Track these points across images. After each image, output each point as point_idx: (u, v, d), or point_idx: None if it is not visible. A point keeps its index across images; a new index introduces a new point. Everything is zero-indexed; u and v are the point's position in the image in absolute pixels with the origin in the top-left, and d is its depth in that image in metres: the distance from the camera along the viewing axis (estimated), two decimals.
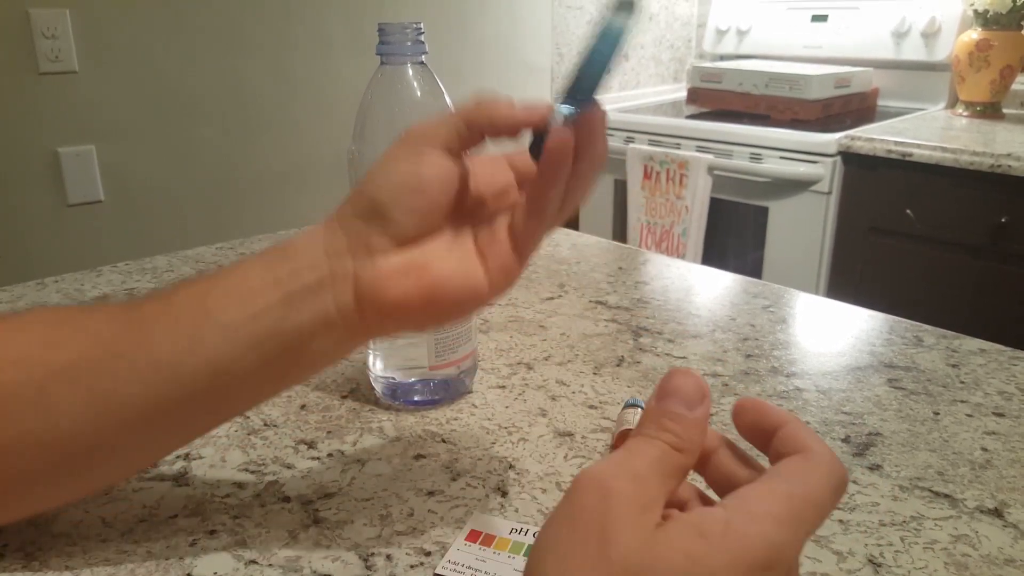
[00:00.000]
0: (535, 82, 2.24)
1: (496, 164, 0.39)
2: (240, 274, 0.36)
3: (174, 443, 0.40)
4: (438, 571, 0.38)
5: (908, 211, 1.63)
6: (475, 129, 0.36)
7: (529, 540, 0.40)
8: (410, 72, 0.50)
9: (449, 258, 0.36)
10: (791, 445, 0.26)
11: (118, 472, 0.40)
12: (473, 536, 0.41)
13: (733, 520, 0.24)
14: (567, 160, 0.34)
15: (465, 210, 0.38)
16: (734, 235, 2.02)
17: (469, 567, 0.38)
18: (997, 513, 0.43)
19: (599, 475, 0.25)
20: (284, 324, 0.35)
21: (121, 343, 0.36)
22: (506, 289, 0.37)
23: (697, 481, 0.29)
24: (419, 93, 0.50)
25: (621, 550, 0.23)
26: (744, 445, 0.29)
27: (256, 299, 0.35)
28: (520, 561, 0.39)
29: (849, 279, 1.75)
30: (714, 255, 1.96)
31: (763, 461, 0.28)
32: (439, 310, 0.36)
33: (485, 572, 0.38)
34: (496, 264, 0.36)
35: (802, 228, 1.77)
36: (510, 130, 0.36)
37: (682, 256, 1.91)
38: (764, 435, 0.28)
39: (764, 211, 1.82)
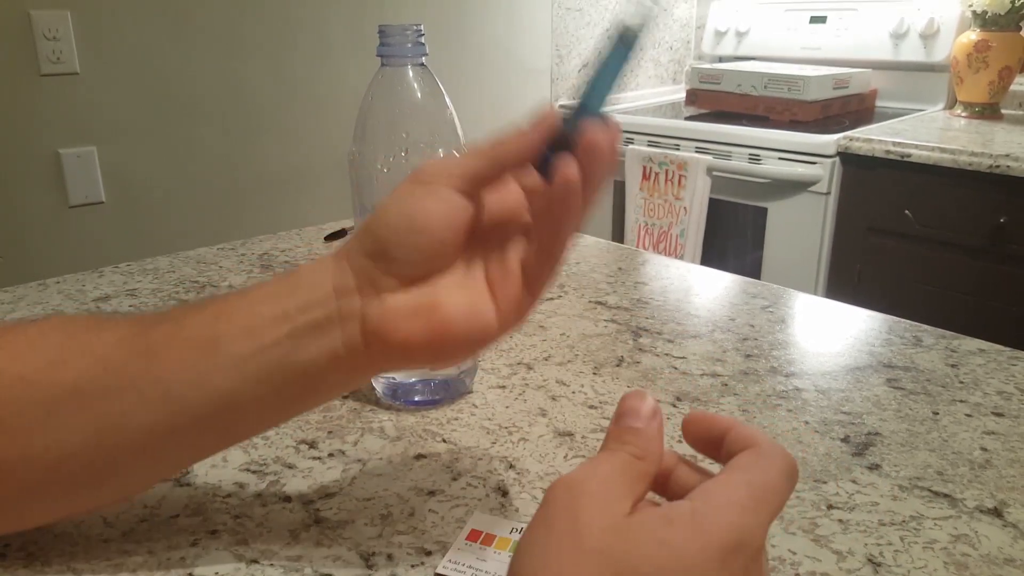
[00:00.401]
0: (535, 84, 2.25)
1: (504, 184, 0.38)
2: (248, 305, 0.36)
3: (180, 464, 0.40)
4: (439, 570, 0.38)
5: (907, 212, 1.64)
6: (495, 165, 0.36)
7: None
8: (410, 74, 0.50)
9: (459, 296, 0.36)
10: (741, 443, 0.29)
11: (123, 490, 0.40)
12: (474, 535, 0.41)
13: (699, 509, 0.26)
14: (577, 196, 0.34)
15: (477, 237, 0.37)
16: (733, 236, 2.02)
17: (470, 566, 0.39)
18: (996, 513, 0.43)
19: (569, 481, 0.28)
20: (292, 358, 0.35)
21: (130, 370, 0.36)
22: (517, 326, 0.37)
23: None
24: (419, 95, 0.50)
25: (594, 540, 0.25)
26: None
27: (265, 333, 0.35)
28: None
29: (848, 279, 1.75)
30: (713, 256, 1.96)
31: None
32: (447, 349, 0.36)
33: (486, 572, 0.38)
34: (507, 301, 0.36)
35: (801, 229, 1.77)
36: (528, 156, 0.35)
37: (681, 257, 1.92)
38: (714, 443, 0.30)
39: (763, 212, 1.83)
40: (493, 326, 0.36)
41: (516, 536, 0.41)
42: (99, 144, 1.53)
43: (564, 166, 0.33)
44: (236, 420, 0.37)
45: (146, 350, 0.36)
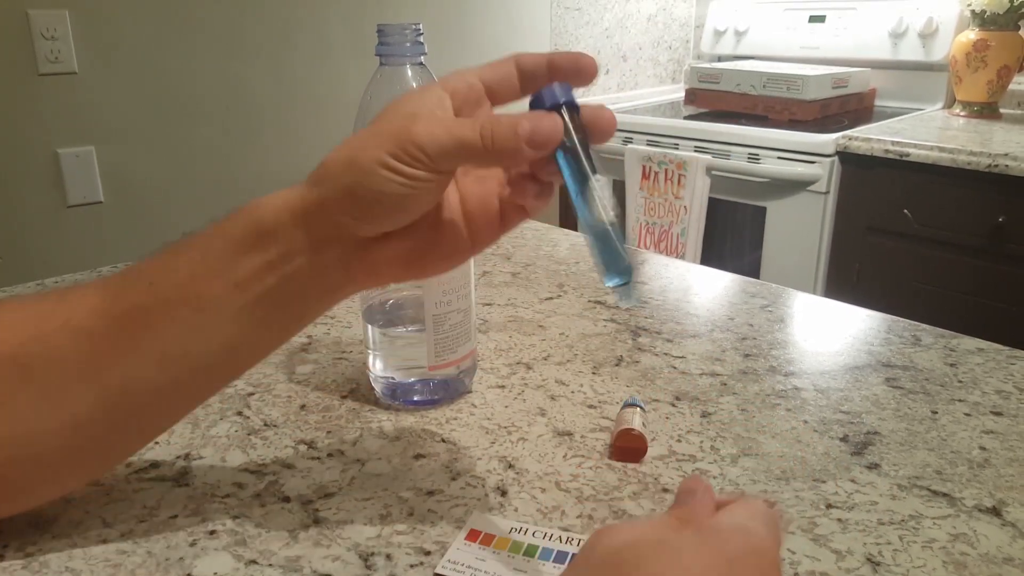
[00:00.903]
0: None
1: (485, 183, 0.40)
2: (225, 258, 0.36)
3: (188, 411, 0.41)
4: (438, 570, 0.38)
5: (906, 211, 1.64)
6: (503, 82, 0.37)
7: (529, 539, 0.40)
8: (409, 73, 0.50)
9: (437, 240, 0.38)
10: (727, 501, 0.32)
11: (133, 448, 0.42)
12: (473, 535, 0.41)
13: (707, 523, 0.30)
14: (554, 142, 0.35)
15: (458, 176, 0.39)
16: (732, 235, 2.02)
17: (469, 566, 0.39)
18: (995, 512, 0.43)
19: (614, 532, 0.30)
20: (283, 298, 0.37)
21: (119, 338, 0.36)
22: (488, 246, 0.40)
23: None
24: None
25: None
26: None
27: (253, 285, 0.36)
28: (520, 560, 0.39)
29: (847, 279, 1.75)
30: (712, 255, 1.96)
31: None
32: (425, 272, 0.39)
33: (485, 571, 0.38)
34: (483, 234, 0.39)
35: (800, 228, 1.77)
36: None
37: (681, 256, 1.92)
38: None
39: (762, 211, 1.83)
40: (467, 251, 0.39)
41: (515, 536, 0.41)
42: (98, 144, 1.53)
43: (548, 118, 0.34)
44: (237, 360, 0.39)
45: (128, 316, 0.36)
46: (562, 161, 0.35)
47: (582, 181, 0.35)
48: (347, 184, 0.35)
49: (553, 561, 0.39)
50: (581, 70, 0.36)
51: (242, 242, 0.36)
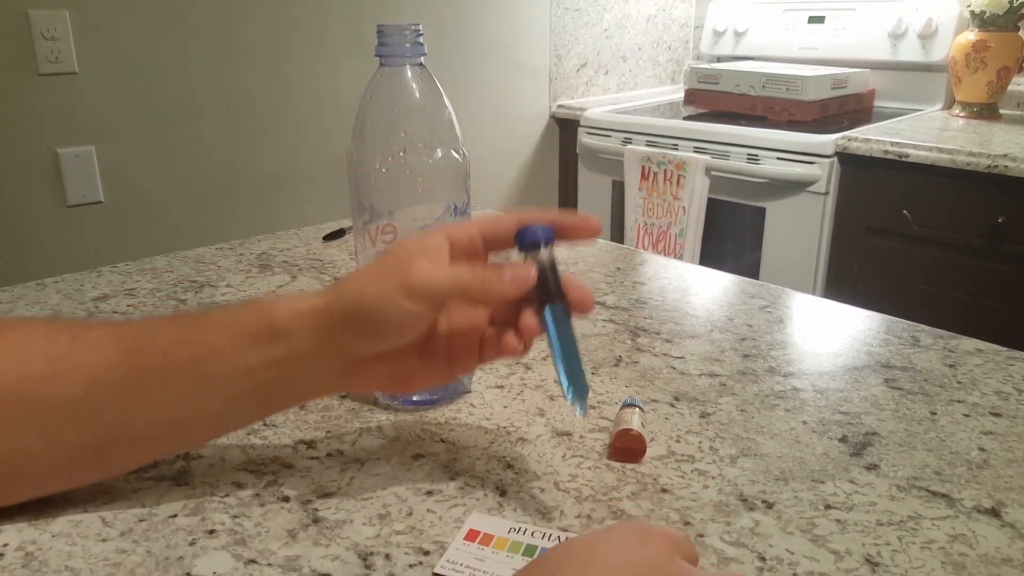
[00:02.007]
0: (533, 83, 2.25)
1: (469, 318, 0.44)
2: (237, 346, 0.40)
3: (169, 454, 0.46)
4: (437, 570, 0.39)
5: (905, 212, 1.64)
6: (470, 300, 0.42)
7: (528, 539, 0.40)
8: (409, 73, 0.50)
9: (422, 364, 0.43)
10: None
11: (116, 473, 0.45)
12: (472, 535, 0.41)
13: None
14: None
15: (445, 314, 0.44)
16: (731, 236, 2.02)
17: (468, 566, 0.39)
18: (994, 513, 0.43)
19: None
20: (279, 390, 0.42)
21: (125, 392, 0.40)
22: (464, 373, 0.47)
23: None
24: (418, 94, 0.50)
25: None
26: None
27: (257, 375, 0.40)
28: (519, 560, 0.39)
29: (846, 279, 1.75)
30: (711, 256, 1.96)
31: None
32: (408, 388, 0.47)
33: (484, 571, 0.38)
34: (463, 366, 0.45)
35: (799, 229, 1.77)
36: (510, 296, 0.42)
37: (679, 257, 1.92)
38: None
39: (761, 212, 1.83)
40: (446, 378, 0.45)
41: (514, 536, 0.41)
42: (97, 144, 1.53)
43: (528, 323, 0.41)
44: (224, 427, 0.44)
45: (137, 376, 0.40)
46: (546, 312, 0.42)
47: (559, 319, 0.42)
48: (357, 311, 0.40)
49: None
50: (586, 229, 0.43)
51: (256, 336, 0.40)
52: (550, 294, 0.42)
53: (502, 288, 0.40)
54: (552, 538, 0.41)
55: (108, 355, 0.40)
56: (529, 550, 0.40)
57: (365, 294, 0.40)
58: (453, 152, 0.51)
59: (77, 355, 0.40)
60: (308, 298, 0.41)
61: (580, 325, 0.69)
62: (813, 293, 1.72)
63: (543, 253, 0.42)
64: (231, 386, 0.40)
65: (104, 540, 0.41)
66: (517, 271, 0.41)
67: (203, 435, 0.43)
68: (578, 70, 2.34)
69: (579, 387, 0.42)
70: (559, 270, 0.42)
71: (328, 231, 0.95)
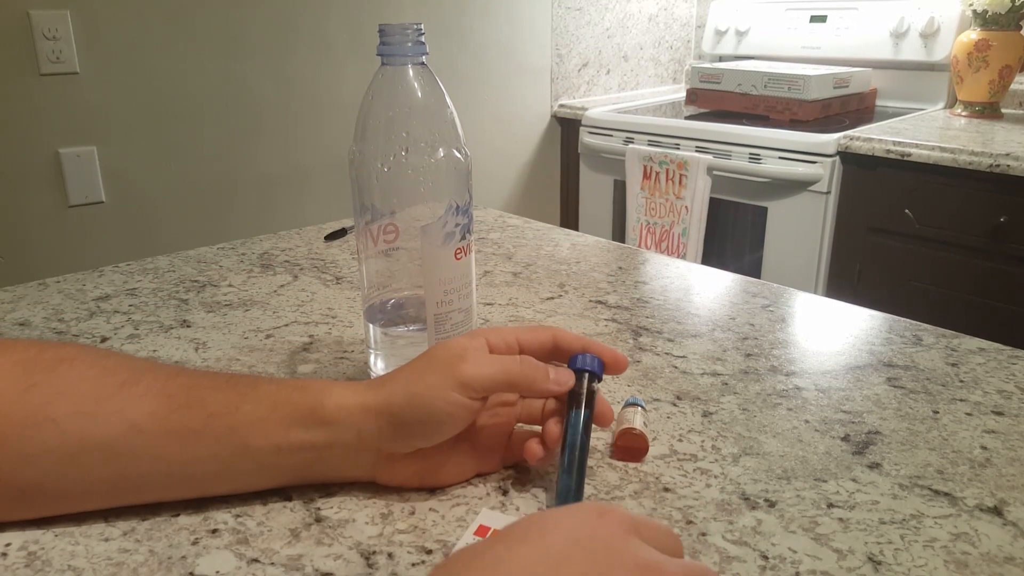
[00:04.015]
0: (535, 83, 2.25)
1: (497, 419, 0.46)
2: (280, 424, 0.42)
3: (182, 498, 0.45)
4: None
5: (907, 211, 1.64)
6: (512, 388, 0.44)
7: None
8: (411, 73, 0.50)
9: (451, 461, 0.45)
10: None
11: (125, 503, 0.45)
12: (482, 531, 0.41)
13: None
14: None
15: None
16: (733, 235, 2.02)
17: None
18: (996, 511, 0.43)
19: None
20: (311, 469, 0.44)
21: (160, 448, 0.41)
22: (489, 472, 0.47)
23: None
24: (420, 94, 0.50)
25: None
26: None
27: (294, 455, 0.42)
28: None
29: (848, 279, 1.75)
30: (713, 255, 1.96)
31: None
32: (435, 484, 0.45)
33: None
34: (489, 464, 0.46)
35: (801, 228, 1.77)
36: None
37: (682, 256, 1.92)
38: None
39: (763, 211, 1.83)
40: (471, 475, 0.46)
41: None
42: (99, 144, 1.53)
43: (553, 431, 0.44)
44: (245, 488, 0.44)
45: (178, 434, 0.41)
46: (570, 409, 0.45)
47: (582, 427, 0.44)
48: (407, 410, 0.42)
49: None
50: (615, 367, 0.46)
51: (300, 419, 0.42)
52: (580, 403, 0.45)
53: (545, 386, 0.43)
54: None
55: (153, 407, 0.41)
56: None
57: (415, 392, 0.42)
58: (455, 151, 0.52)
59: (123, 401, 0.41)
60: (359, 393, 0.42)
61: (583, 325, 0.69)
62: (815, 292, 1.72)
63: (587, 379, 0.45)
64: (265, 458, 0.42)
65: (107, 539, 0.41)
66: (560, 374, 0.44)
67: (222, 490, 0.44)
68: (580, 69, 2.34)
69: (572, 500, 0.42)
70: (596, 389, 0.46)
71: (330, 231, 0.95)
